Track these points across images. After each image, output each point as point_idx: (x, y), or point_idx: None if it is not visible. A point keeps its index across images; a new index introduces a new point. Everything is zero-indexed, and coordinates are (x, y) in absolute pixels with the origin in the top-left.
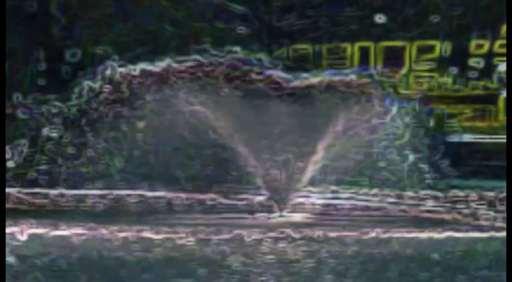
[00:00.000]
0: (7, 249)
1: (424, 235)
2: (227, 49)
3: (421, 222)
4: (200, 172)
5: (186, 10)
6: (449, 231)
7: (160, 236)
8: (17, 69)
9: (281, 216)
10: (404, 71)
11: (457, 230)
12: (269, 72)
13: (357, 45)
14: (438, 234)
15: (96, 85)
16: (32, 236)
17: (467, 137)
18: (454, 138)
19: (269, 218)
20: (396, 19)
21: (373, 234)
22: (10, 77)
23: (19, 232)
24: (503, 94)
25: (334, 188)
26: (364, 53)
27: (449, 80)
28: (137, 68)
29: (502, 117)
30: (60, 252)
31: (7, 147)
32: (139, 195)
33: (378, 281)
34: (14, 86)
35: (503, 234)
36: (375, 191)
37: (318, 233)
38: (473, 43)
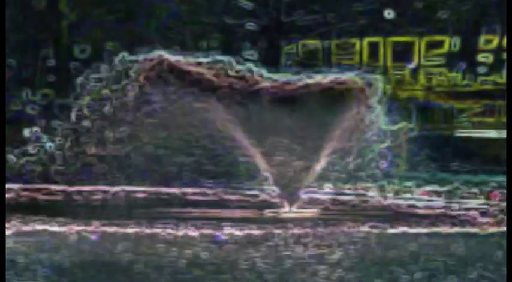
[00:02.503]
0: None
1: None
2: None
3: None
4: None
5: (195, 6)
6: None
7: None
8: (26, 66)
9: (290, 211)
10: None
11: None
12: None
13: (366, 40)
14: None
15: None
16: None
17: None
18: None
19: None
20: (405, 14)
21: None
22: (19, 73)
23: None
24: None
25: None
26: (373, 48)
27: (459, 76)
28: None
29: None
30: None
31: None
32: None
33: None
34: (23, 82)
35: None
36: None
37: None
38: (482, 38)
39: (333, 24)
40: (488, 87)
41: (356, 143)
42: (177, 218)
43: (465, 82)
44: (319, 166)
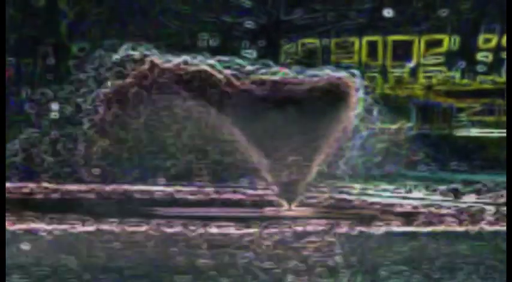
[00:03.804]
0: None
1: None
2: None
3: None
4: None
5: (193, 4)
6: None
7: None
8: (26, 64)
9: (289, 210)
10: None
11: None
12: None
13: (365, 39)
14: None
15: None
16: None
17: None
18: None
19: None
20: (404, 13)
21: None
22: (19, 71)
23: None
24: None
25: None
26: (372, 47)
27: (458, 74)
28: None
29: None
30: None
31: None
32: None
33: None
34: (23, 81)
35: None
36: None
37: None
38: (481, 37)
39: (332, 23)
40: (487, 86)
41: (352, 143)
42: (174, 217)
43: (464, 81)
44: (317, 165)
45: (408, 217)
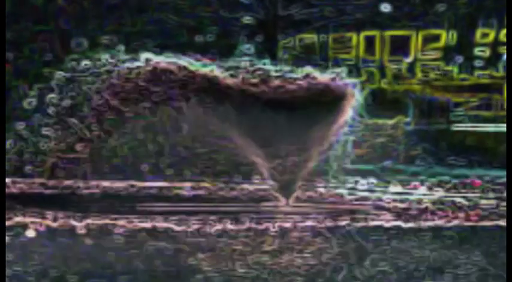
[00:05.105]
0: None
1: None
2: None
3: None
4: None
5: None
6: None
7: None
8: (23, 60)
9: (287, 205)
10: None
11: None
12: None
13: (363, 34)
14: None
15: None
16: None
17: None
18: None
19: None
20: (402, 8)
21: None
22: (16, 67)
23: None
24: None
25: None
26: (370, 42)
27: (455, 69)
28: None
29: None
30: None
31: None
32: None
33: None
34: (20, 77)
35: None
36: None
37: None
38: (479, 32)
39: (330, 18)
40: (484, 80)
41: (349, 139)
42: (171, 213)
43: (462, 76)
44: (314, 161)
45: None
